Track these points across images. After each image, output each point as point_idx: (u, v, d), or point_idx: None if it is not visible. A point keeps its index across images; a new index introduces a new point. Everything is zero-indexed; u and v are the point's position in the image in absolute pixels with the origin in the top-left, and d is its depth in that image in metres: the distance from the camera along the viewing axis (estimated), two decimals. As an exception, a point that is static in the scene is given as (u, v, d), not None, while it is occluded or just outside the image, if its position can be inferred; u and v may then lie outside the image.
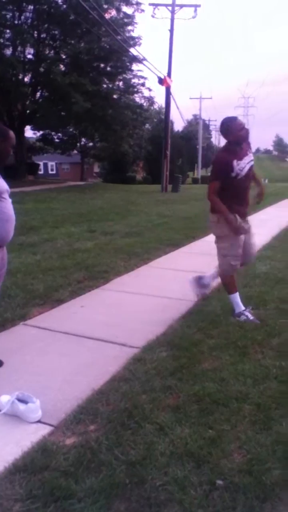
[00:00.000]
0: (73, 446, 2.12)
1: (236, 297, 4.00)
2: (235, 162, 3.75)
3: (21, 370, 2.97)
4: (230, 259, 3.99)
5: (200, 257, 6.55)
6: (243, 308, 3.95)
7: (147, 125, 33.24)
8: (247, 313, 3.90)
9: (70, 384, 2.77)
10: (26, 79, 22.26)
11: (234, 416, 2.40)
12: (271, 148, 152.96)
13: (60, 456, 2.04)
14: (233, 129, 3.75)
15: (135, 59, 22.18)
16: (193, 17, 22.19)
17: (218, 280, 4.56)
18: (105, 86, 23.70)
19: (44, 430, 2.29)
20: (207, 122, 64.26)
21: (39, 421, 2.36)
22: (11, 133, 2.81)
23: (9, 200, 2.83)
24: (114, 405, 2.49)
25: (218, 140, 76.46)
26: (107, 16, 19.82)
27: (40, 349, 3.30)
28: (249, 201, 3.98)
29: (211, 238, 7.98)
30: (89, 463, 2.00)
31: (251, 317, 3.87)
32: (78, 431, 2.25)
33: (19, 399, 2.38)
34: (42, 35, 22.24)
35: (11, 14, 20.65)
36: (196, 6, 21.84)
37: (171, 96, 22.37)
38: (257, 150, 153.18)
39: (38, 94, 23.63)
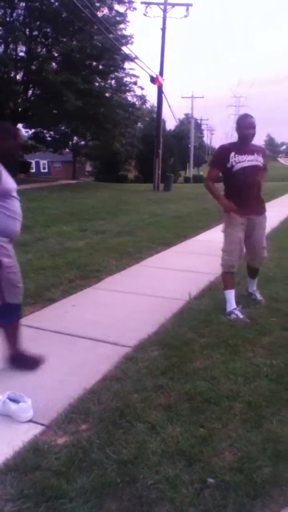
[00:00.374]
0: (65, 446, 2.12)
1: (230, 294, 4.03)
2: (232, 154, 3.90)
3: (13, 370, 2.95)
4: (224, 254, 4.07)
5: (192, 256, 6.59)
6: (234, 306, 3.99)
7: (139, 124, 33.22)
8: (237, 312, 3.94)
9: (62, 383, 2.77)
10: (18, 77, 22.14)
11: (225, 414, 2.42)
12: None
13: (51, 455, 2.04)
14: (242, 126, 3.93)
15: (127, 58, 22.19)
16: (185, 16, 22.27)
17: (206, 281, 4.63)
18: (97, 84, 23.64)
19: (36, 429, 2.29)
20: (199, 121, 64.45)
21: (30, 421, 2.35)
22: (20, 131, 2.81)
23: (17, 198, 2.84)
24: (106, 404, 2.49)
25: (210, 139, 76.67)
26: (99, 14, 19.80)
27: (32, 349, 3.27)
28: (254, 202, 4.05)
29: (202, 237, 8.10)
30: (81, 463, 2.00)
31: (241, 315, 3.90)
32: (70, 431, 2.25)
33: (10, 399, 2.37)
34: (34, 33, 22.15)
35: (2, 11, 20.56)
36: (187, 5, 21.93)
37: (163, 95, 22.41)
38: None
39: (30, 92, 23.52)
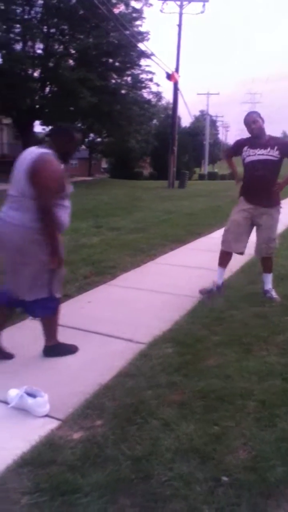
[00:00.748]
0: (80, 441, 2.15)
1: (218, 270, 4.52)
2: (245, 148, 4.21)
3: (29, 364, 3.00)
4: (223, 232, 4.49)
5: (205, 253, 6.56)
6: (218, 283, 4.47)
7: (154, 121, 33.16)
8: (214, 290, 4.40)
9: (77, 379, 2.80)
10: (35, 74, 22.25)
11: (239, 413, 2.42)
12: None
13: (67, 450, 2.07)
14: (245, 124, 4.19)
15: (143, 54, 22.16)
16: (202, 12, 22.18)
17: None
18: (113, 81, 23.66)
19: (52, 424, 2.32)
20: (214, 118, 64.07)
21: (46, 415, 2.38)
22: (78, 134, 3.08)
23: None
24: (120, 400, 2.51)
25: (225, 136, 76.18)
26: (115, 11, 19.78)
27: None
28: (264, 194, 4.18)
29: (216, 234, 8.06)
30: (96, 458, 2.03)
31: (209, 295, 4.34)
32: (85, 426, 2.28)
33: (27, 393, 2.41)
34: (51, 30, 22.22)
35: (21, 9, 20.66)
36: (204, 1, 21.78)
37: (178, 91, 22.32)
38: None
39: (47, 89, 23.61)
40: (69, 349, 3.18)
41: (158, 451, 2.08)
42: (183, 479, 1.91)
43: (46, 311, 3.06)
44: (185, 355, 3.09)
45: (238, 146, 4.30)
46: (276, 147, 4.07)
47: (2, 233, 2.88)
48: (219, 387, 2.66)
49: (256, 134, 4.12)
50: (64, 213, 3.00)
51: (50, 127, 28.07)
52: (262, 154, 4.07)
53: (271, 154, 4.07)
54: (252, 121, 4.10)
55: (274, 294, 4.38)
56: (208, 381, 2.72)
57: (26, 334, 3.52)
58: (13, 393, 2.47)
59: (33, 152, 2.88)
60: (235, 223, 4.30)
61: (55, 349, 3.14)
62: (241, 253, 4.46)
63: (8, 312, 3.18)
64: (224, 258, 4.49)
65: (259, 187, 4.16)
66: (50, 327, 3.14)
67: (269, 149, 4.07)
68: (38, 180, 2.76)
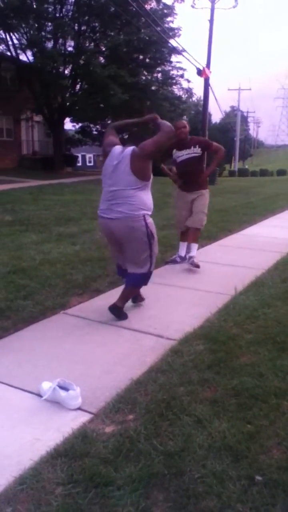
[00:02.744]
0: (112, 435, 2.16)
1: (181, 244, 5.70)
2: (174, 151, 5.32)
3: (61, 358, 3.03)
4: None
5: (237, 250, 6.50)
6: (180, 253, 5.61)
7: (184, 117, 32.96)
8: (177, 259, 5.58)
9: (109, 373, 2.81)
10: (66, 72, 22.46)
11: (273, 412, 2.37)
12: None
13: (99, 443, 2.08)
14: (175, 127, 4.68)
15: (174, 50, 22.04)
16: (234, 7, 21.87)
17: (251, 276, 4.61)
18: (143, 78, 23.63)
19: (84, 417, 2.34)
20: (245, 114, 63.24)
21: (79, 408, 2.40)
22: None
23: None
24: (152, 395, 2.51)
25: (256, 132, 75.11)
26: (147, 7, 19.72)
27: (79, 338, 3.36)
28: (194, 181, 5.39)
29: (247, 231, 7.98)
30: (128, 452, 2.03)
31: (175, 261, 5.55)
32: (117, 420, 2.28)
33: (60, 386, 2.43)
34: (82, 28, 22.36)
35: (52, 7, 20.86)
36: (237, -5, 21.44)
37: (209, 87, 22.11)
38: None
39: (77, 86, 23.80)
40: (124, 316, 3.72)
41: (191, 448, 2.07)
42: (216, 477, 1.89)
43: (138, 282, 3.79)
44: (217, 352, 3.06)
45: (165, 152, 5.18)
46: (197, 146, 5.22)
47: (110, 228, 3.59)
48: (252, 385, 2.62)
49: (183, 138, 5.18)
50: (150, 197, 3.68)
51: (80, 124, 28.39)
52: (189, 154, 5.23)
53: (193, 152, 5.22)
54: (183, 126, 5.18)
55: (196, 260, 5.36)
56: (241, 379, 2.68)
57: (58, 326, 3.56)
58: (46, 386, 2.50)
59: (126, 151, 3.56)
60: (180, 210, 5.56)
61: (118, 310, 3.69)
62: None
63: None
64: (183, 235, 5.68)
65: (189, 178, 5.36)
66: (129, 293, 3.82)
67: (192, 148, 5.22)
68: (148, 147, 3.55)
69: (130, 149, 3.54)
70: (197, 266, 5.32)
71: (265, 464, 1.98)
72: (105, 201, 3.59)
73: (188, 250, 5.52)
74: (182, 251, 5.63)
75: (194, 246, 5.51)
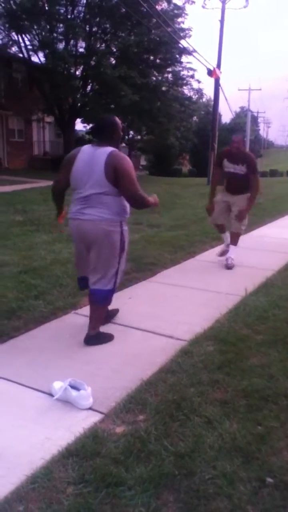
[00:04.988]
0: (123, 435, 2.17)
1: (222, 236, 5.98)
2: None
3: (72, 358, 3.05)
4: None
5: (246, 251, 6.46)
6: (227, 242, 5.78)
7: (194, 118, 32.89)
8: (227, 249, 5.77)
9: (119, 373, 2.82)
10: (77, 73, 22.53)
11: (283, 413, 2.37)
12: None
13: (110, 443, 2.09)
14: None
15: (185, 51, 21.99)
16: (245, 7, 21.84)
17: (261, 277, 4.55)
18: (154, 78, 23.63)
19: (95, 417, 2.35)
20: (255, 114, 62.92)
21: (90, 408, 2.41)
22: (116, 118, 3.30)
23: None
24: (162, 396, 2.51)
25: (266, 133, 74.77)
26: (157, 8, 19.72)
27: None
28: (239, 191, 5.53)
29: (256, 232, 7.94)
30: (139, 452, 2.04)
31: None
32: (128, 420, 2.29)
33: (71, 386, 2.44)
34: (93, 29, 22.41)
35: (64, 9, 20.95)
36: (248, -5, 21.35)
37: (219, 87, 22.04)
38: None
39: (88, 87, 23.86)
40: (108, 338, 3.34)
41: (201, 449, 2.07)
42: (227, 478, 1.90)
43: (105, 300, 3.33)
44: (227, 353, 3.05)
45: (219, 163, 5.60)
46: (245, 164, 5.33)
47: (87, 230, 3.14)
48: (262, 386, 2.62)
49: (234, 152, 5.37)
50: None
51: (91, 125, 28.44)
52: (235, 169, 5.40)
53: (241, 169, 5.37)
54: (236, 141, 5.37)
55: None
56: (251, 380, 2.68)
57: (69, 326, 3.58)
58: (57, 385, 2.52)
59: (99, 153, 3.06)
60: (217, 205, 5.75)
61: (97, 337, 3.30)
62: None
63: None
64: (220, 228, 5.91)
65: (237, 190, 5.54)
66: (99, 315, 3.35)
67: (240, 164, 5.35)
68: (126, 175, 3.03)
69: (105, 152, 3.05)
70: (230, 268, 5.53)
71: (276, 466, 1.98)
72: (78, 204, 3.18)
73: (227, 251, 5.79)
74: (227, 239, 5.82)
75: (233, 247, 5.70)
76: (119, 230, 3.18)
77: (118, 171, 3.01)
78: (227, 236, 5.82)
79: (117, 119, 3.23)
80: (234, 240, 5.69)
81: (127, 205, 3.22)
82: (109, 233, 3.13)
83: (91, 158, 3.07)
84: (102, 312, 3.38)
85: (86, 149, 3.17)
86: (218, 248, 6.69)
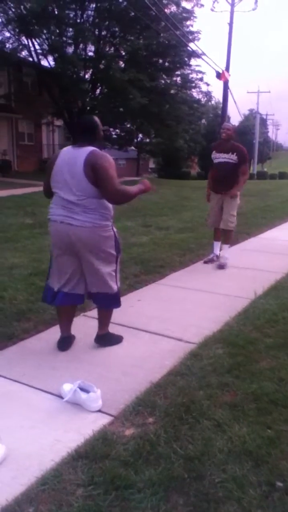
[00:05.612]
0: (132, 437, 2.16)
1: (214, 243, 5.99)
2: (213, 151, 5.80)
3: (81, 360, 3.06)
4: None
5: (255, 254, 6.45)
6: (215, 252, 5.86)
7: (203, 120, 32.89)
8: (214, 258, 5.83)
9: (128, 376, 2.82)
10: (86, 76, 22.63)
11: (293, 417, 2.35)
12: None
13: (119, 446, 2.09)
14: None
15: (194, 54, 21.99)
16: (253, 9, 21.71)
17: (271, 280, 4.56)
18: (162, 81, 23.66)
19: (104, 419, 2.35)
20: (264, 116, 62.73)
21: (99, 411, 2.42)
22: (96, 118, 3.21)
23: None
24: (172, 399, 2.51)
25: (275, 135, 74.54)
26: (166, 11, 19.76)
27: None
28: (226, 185, 5.64)
29: (266, 235, 7.91)
30: (148, 455, 2.03)
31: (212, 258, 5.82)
32: (137, 423, 2.29)
33: (81, 388, 2.45)
34: (102, 33, 22.50)
35: (73, 13, 21.06)
36: (257, -2, 21.30)
37: (228, 90, 22.01)
38: None
39: (97, 90, 23.95)
40: (118, 339, 3.37)
41: (211, 452, 2.07)
42: (236, 482, 1.89)
43: (111, 303, 3.29)
44: (237, 356, 3.04)
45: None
46: (235, 153, 5.47)
47: (74, 236, 2.99)
48: (272, 390, 2.60)
49: (223, 139, 5.58)
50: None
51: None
52: (225, 158, 5.51)
53: (231, 158, 5.49)
54: (227, 128, 5.66)
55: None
56: (260, 384, 2.67)
57: (79, 329, 3.58)
58: (67, 387, 2.53)
59: (79, 153, 2.95)
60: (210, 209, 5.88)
61: (106, 337, 3.33)
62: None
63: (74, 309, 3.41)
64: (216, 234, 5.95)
65: (224, 182, 5.62)
66: (107, 317, 3.35)
67: (230, 153, 5.50)
68: (103, 172, 2.90)
69: (86, 152, 2.94)
70: (222, 267, 5.62)
71: (286, 470, 1.97)
72: (62, 207, 3.02)
73: (220, 249, 5.87)
74: (216, 250, 5.89)
75: (225, 246, 5.80)
76: (112, 234, 3.14)
77: (96, 169, 2.89)
78: (218, 245, 5.90)
79: (97, 119, 3.13)
80: (227, 238, 5.81)
81: (111, 206, 3.11)
82: (105, 239, 3.07)
83: (71, 158, 2.97)
84: (111, 313, 3.37)
85: (66, 150, 3.08)
86: (229, 250, 6.68)
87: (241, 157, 5.49)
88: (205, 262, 5.81)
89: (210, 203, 5.83)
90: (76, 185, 2.93)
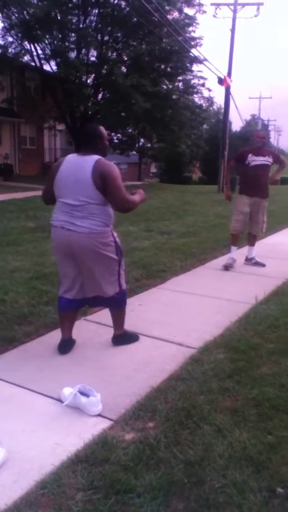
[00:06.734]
0: (132, 442, 2.16)
1: (231, 249, 6.07)
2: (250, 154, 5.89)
3: (82, 364, 3.06)
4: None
5: (257, 259, 6.43)
6: (232, 256, 5.95)
7: (205, 125, 32.93)
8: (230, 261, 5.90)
9: (129, 380, 2.82)
10: (88, 81, 22.72)
11: (294, 423, 2.34)
12: None
13: (119, 450, 2.09)
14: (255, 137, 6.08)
15: (196, 60, 22.06)
16: (255, 16, 21.79)
17: (272, 285, 4.64)
18: (165, 87, 23.73)
19: (104, 424, 2.35)
20: (265, 122, 62.83)
21: (99, 415, 2.42)
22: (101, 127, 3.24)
23: None
24: (172, 403, 2.51)
25: (277, 141, 74.68)
26: (169, 17, 19.85)
27: (99, 344, 3.39)
28: (261, 186, 5.92)
29: (268, 240, 7.90)
30: (148, 460, 2.03)
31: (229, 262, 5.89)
32: (137, 427, 2.29)
33: (81, 392, 2.45)
34: (105, 38, 22.61)
35: (76, 18, 21.18)
36: (258, 5, 21.39)
37: (230, 96, 22.07)
38: None
39: (100, 95, 24.04)
40: (134, 337, 3.48)
41: (211, 457, 2.06)
42: (237, 487, 1.88)
43: (121, 303, 3.36)
44: (238, 361, 3.04)
45: (240, 158, 6.00)
46: (271, 156, 5.84)
47: (73, 242, 3.02)
48: (273, 395, 2.59)
49: (260, 147, 5.86)
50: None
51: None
52: (262, 161, 5.79)
53: (268, 160, 5.80)
54: (262, 136, 6.01)
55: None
56: (262, 389, 2.66)
57: (79, 333, 3.58)
58: (67, 391, 2.53)
59: (85, 161, 2.98)
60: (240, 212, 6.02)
61: (124, 337, 3.42)
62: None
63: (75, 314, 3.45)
64: (232, 238, 6.14)
65: (259, 183, 5.90)
66: (120, 317, 3.42)
67: (266, 156, 5.80)
68: (114, 182, 2.97)
69: (92, 160, 2.98)
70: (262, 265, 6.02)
71: (287, 476, 1.96)
72: (65, 212, 3.04)
73: (249, 253, 6.20)
74: (234, 254, 6.02)
75: (252, 248, 6.19)
76: (112, 239, 3.15)
77: (105, 178, 2.94)
78: (235, 249, 6.06)
79: (102, 128, 3.15)
80: (253, 242, 6.19)
81: (112, 212, 3.15)
82: (104, 244, 3.07)
83: (76, 166, 3.00)
84: (123, 312, 3.43)
85: (71, 157, 3.09)
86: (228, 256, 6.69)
87: (276, 157, 5.97)
88: (226, 269, 5.82)
89: (239, 208, 5.95)
90: (81, 191, 2.96)
